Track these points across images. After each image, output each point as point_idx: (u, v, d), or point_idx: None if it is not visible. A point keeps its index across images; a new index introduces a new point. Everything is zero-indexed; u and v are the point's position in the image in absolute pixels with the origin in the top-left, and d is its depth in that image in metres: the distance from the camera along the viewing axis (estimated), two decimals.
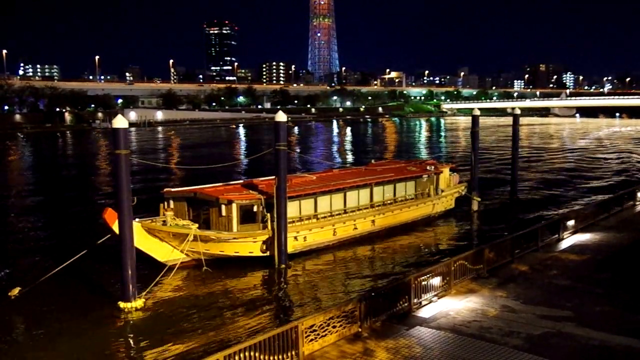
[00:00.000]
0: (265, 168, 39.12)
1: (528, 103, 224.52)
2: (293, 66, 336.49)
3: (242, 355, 10.40)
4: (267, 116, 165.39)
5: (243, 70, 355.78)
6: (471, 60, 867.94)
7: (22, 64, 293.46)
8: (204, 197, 22.17)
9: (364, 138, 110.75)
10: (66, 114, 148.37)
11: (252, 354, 10.55)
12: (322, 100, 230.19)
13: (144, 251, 20.34)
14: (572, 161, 60.66)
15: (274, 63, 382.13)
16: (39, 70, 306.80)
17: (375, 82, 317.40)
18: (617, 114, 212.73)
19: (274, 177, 21.87)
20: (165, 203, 22.68)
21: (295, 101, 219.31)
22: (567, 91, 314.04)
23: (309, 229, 23.31)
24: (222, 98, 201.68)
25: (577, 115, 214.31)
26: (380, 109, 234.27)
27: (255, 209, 21.93)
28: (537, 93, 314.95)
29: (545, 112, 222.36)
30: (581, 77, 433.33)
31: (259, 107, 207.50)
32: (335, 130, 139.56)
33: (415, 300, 14.40)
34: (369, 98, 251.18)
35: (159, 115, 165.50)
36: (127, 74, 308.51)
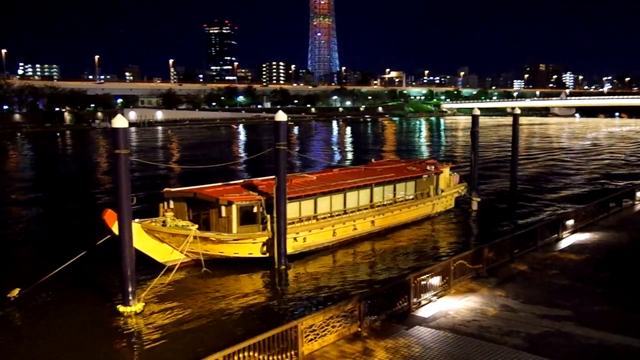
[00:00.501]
0: (265, 167, 39.15)
1: (528, 103, 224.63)
2: (293, 66, 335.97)
3: (241, 355, 10.41)
4: (267, 116, 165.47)
5: (243, 70, 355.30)
6: (471, 60, 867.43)
7: (21, 64, 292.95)
8: (204, 197, 22.17)
9: (363, 138, 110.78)
10: (66, 114, 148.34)
11: (251, 354, 10.57)
12: (322, 100, 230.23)
13: (143, 252, 20.36)
14: (572, 161, 60.70)
15: (274, 63, 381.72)
16: (38, 70, 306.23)
17: (375, 82, 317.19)
18: (617, 114, 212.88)
19: (273, 177, 21.88)
20: (165, 203, 22.66)
21: (295, 101, 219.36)
22: (567, 91, 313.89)
23: (308, 230, 23.31)
24: (222, 98, 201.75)
25: (577, 115, 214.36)
26: (380, 108, 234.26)
27: (255, 210, 21.94)
28: (537, 93, 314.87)
29: (545, 111, 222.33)
30: (581, 77, 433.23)
31: (259, 106, 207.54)
32: (335, 130, 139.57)
33: (415, 300, 14.43)
34: (369, 98, 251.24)
35: (159, 115, 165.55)
36: (127, 74, 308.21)
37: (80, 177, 53.02)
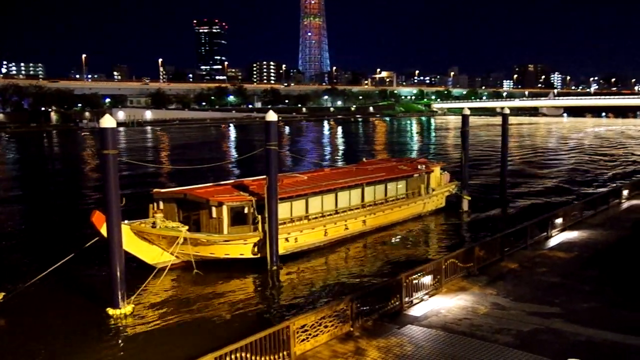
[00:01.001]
0: (255, 168, 39.06)
1: (517, 103, 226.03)
2: (284, 65, 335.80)
3: (233, 356, 10.37)
4: (258, 116, 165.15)
5: (233, 70, 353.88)
6: (461, 60, 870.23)
7: (4, 62, 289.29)
8: (194, 198, 22.04)
9: (354, 137, 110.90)
10: (52, 114, 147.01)
11: (243, 354, 10.53)
12: (313, 100, 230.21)
13: (133, 254, 20.21)
14: (559, 160, 61.22)
15: (265, 62, 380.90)
16: (22, 68, 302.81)
17: (366, 82, 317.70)
18: (604, 114, 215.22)
19: (264, 177, 21.83)
20: (155, 204, 22.46)
21: (286, 101, 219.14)
22: (555, 91, 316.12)
23: (300, 230, 23.29)
24: (212, 97, 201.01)
25: (565, 114, 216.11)
26: (371, 108, 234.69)
27: (246, 210, 21.86)
28: (526, 93, 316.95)
29: (533, 111, 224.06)
30: (568, 77, 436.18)
31: (250, 106, 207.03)
32: (327, 129, 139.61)
33: (407, 299, 14.48)
34: (360, 97, 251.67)
35: (148, 114, 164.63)
36: (115, 73, 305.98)
37: (67, 178, 52.51)
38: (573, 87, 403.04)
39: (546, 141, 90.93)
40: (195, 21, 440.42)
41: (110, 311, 16.95)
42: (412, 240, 26.72)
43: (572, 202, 30.49)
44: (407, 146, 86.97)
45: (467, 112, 33.53)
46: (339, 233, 25.05)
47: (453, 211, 31.78)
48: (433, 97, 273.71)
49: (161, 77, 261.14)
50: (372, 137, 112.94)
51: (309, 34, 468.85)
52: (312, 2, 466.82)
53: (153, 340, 15.59)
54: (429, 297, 15.16)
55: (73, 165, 62.87)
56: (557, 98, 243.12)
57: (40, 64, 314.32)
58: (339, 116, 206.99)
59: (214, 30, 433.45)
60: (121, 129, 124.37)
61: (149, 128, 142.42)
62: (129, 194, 28.62)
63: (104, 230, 17.95)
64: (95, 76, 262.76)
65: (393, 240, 26.21)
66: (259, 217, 21.70)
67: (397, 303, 14.23)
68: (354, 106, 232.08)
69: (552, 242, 21.16)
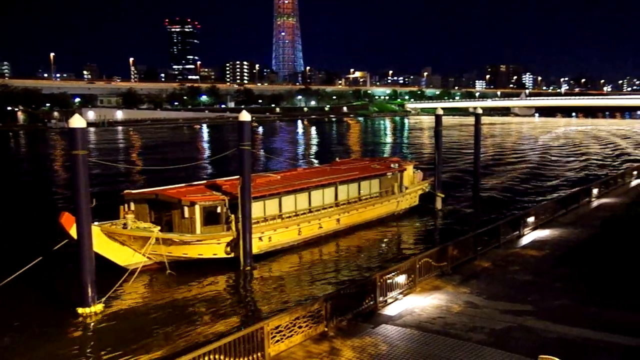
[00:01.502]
0: (229, 168, 38.65)
1: (489, 103, 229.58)
2: (257, 65, 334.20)
3: (207, 358, 10.19)
4: (231, 116, 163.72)
5: (206, 69, 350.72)
6: (435, 61, 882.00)
7: None
8: (166, 198, 21.68)
9: (328, 137, 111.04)
10: (19, 113, 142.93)
11: (217, 356, 10.36)
12: (287, 100, 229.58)
13: (104, 255, 19.74)
14: (532, 160, 62.35)
15: (238, 62, 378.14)
16: None
17: (340, 82, 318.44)
18: (574, 114, 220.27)
19: (237, 177, 21.59)
20: (126, 205, 22.07)
21: (260, 100, 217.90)
22: (527, 91, 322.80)
23: (273, 229, 23.13)
24: (185, 97, 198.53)
25: (537, 114, 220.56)
26: (345, 108, 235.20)
27: (219, 210, 21.61)
28: (498, 93, 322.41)
29: (505, 111, 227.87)
30: (539, 78, 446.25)
31: (223, 106, 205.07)
32: (300, 129, 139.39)
33: (381, 299, 14.46)
34: (334, 97, 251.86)
35: (119, 114, 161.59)
36: (85, 72, 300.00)
37: (35, 179, 51.14)
38: (544, 88, 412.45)
39: (518, 140, 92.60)
40: (167, 20, 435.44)
41: (80, 310, 16.61)
42: (386, 239, 26.80)
43: (543, 201, 31.04)
44: (381, 146, 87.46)
45: (441, 112, 33.87)
46: (313, 232, 24.97)
47: (426, 209, 32.01)
48: (407, 97, 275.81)
49: (132, 77, 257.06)
50: (346, 137, 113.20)
51: (283, 33, 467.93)
52: (286, 1, 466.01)
53: (123, 337, 15.29)
54: (403, 296, 15.18)
55: (41, 166, 61.25)
56: (528, 98, 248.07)
57: (6, 62, 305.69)
58: (313, 116, 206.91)
59: (187, 30, 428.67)
60: (91, 129, 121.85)
61: (120, 128, 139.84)
62: (100, 194, 28.00)
63: (73, 232, 17.53)
64: (65, 75, 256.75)
65: (367, 239, 26.24)
66: (232, 216, 21.48)
67: (372, 302, 14.20)
68: (328, 106, 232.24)
69: (525, 240, 21.46)
